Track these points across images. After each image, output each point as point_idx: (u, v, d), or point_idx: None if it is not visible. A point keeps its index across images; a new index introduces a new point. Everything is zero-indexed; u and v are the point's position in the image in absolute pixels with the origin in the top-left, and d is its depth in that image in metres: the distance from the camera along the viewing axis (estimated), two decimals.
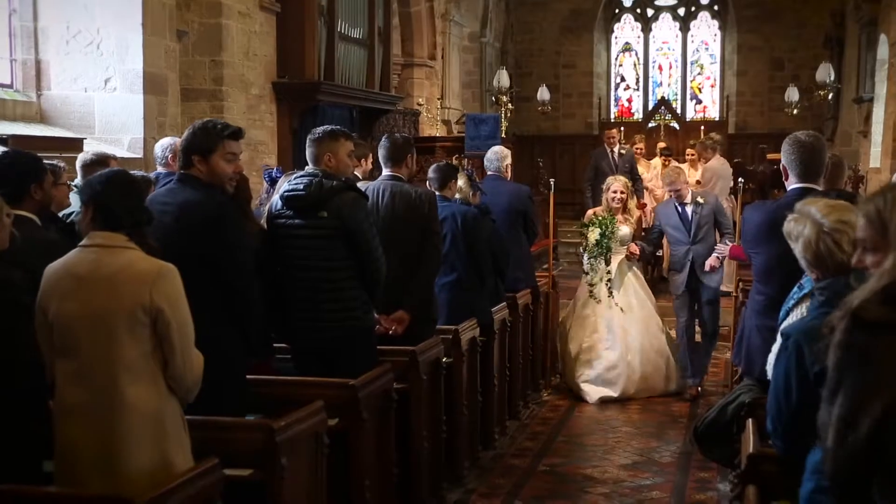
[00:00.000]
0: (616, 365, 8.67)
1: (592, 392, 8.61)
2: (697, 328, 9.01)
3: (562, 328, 9.27)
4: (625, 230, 8.85)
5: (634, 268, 9.09)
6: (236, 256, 4.56)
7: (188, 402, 3.77)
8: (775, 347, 3.71)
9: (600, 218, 8.81)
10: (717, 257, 8.59)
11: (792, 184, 4.99)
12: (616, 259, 8.81)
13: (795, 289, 4.05)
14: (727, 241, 8.52)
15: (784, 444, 3.40)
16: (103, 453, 3.55)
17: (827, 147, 5.21)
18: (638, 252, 9.01)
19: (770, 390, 3.26)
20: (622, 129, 17.13)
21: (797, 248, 3.71)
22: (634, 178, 13.03)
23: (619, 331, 8.73)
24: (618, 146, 13.57)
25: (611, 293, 8.75)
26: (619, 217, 8.87)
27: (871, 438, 2.24)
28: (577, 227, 9.07)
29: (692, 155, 14.63)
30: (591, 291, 8.81)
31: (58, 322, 3.64)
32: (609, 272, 8.76)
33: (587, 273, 8.87)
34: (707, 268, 8.59)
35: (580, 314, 8.95)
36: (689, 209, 8.76)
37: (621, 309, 8.73)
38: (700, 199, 8.82)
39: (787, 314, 3.95)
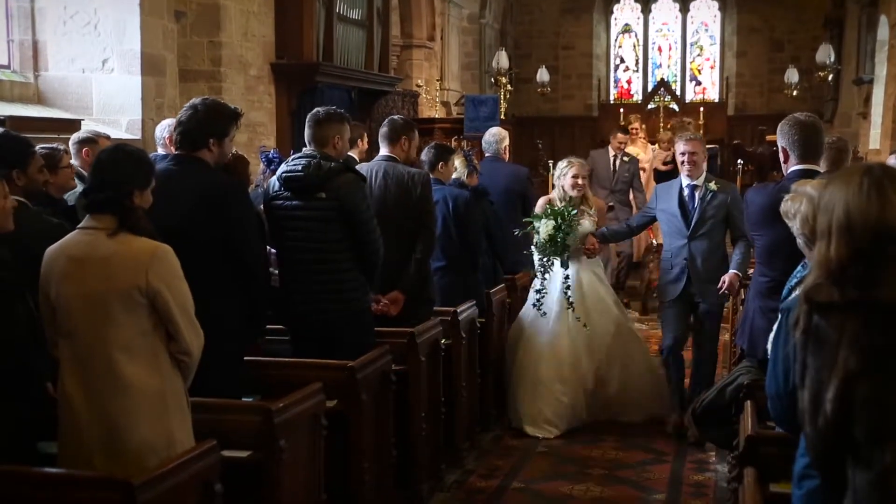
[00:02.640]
0: (572, 401, 7.11)
1: (539, 432, 7.04)
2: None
3: (508, 348, 7.50)
4: (586, 224, 7.25)
5: (596, 269, 7.46)
6: (249, 235, 4.63)
7: (190, 378, 3.79)
8: (776, 327, 3.68)
9: (555, 208, 7.15)
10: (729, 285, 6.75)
11: (793, 165, 4.97)
12: (576, 262, 7.24)
13: (799, 268, 4.04)
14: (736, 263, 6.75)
15: (789, 424, 3.35)
16: (106, 434, 3.57)
17: (825, 129, 5.19)
18: (597, 246, 7.37)
19: (769, 369, 3.23)
20: (639, 124, 14.94)
21: (795, 226, 3.74)
22: (635, 191, 11.50)
23: (575, 354, 7.15)
24: (622, 153, 11.50)
25: (570, 304, 7.04)
26: (577, 208, 7.21)
27: (836, 417, 2.32)
28: (530, 219, 7.26)
29: (665, 144, 13.28)
30: (537, 301, 7.15)
31: (58, 304, 3.67)
32: (567, 277, 7.06)
33: (536, 277, 7.21)
34: (720, 284, 6.72)
35: (527, 332, 7.33)
36: (697, 194, 6.84)
37: (584, 325, 7.09)
38: (714, 185, 6.83)
39: (790, 293, 3.94)
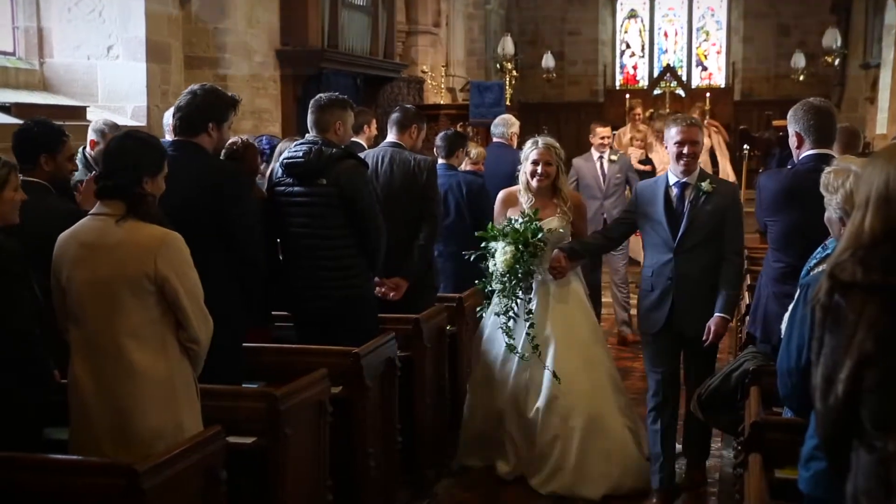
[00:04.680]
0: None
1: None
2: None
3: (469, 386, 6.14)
4: (555, 224, 5.73)
5: (574, 281, 5.87)
6: (249, 222, 4.65)
7: (200, 366, 3.80)
8: (794, 302, 3.63)
9: (513, 223, 5.60)
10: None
11: (807, 150, 4.92)
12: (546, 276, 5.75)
13: (819, 249, 3.97)
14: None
15: (797, 402, 3.29)
16: (115, 420, 3.59)
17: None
18: (563, 263, 5.65)
19: (782, 345, 3.19)
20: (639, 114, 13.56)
21: (835, 200, 3.64)
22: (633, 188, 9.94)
23: (534, 396, 5.70)
24: (608, 151, 9.46)
25: (535, 348, 5.56)
26: (547, 204, 5.78)
27: (847, 398, 2.32)
28: (484, 234, 5.69)
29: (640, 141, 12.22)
30: (509, 345, 5.64)
31: (69, 290, 3.69)
32: (531, 312, 5.63)
33: (499, 315, 5.65)
34: (706, 335, 5.31)
35: (487, 370, 5.93)
36: (686, 196, 5.31)
37: (554, 374, 5.57)
38: (707, 185, 5.30)
39: (809, 274, 3.90)
